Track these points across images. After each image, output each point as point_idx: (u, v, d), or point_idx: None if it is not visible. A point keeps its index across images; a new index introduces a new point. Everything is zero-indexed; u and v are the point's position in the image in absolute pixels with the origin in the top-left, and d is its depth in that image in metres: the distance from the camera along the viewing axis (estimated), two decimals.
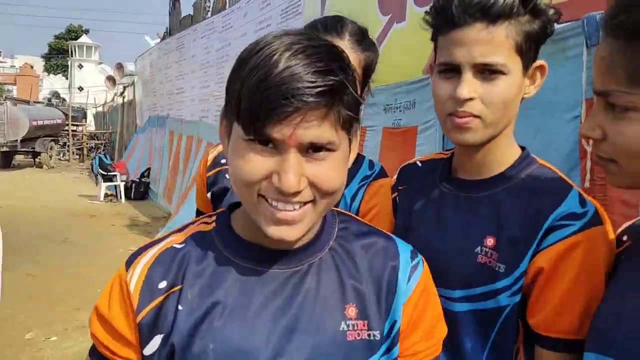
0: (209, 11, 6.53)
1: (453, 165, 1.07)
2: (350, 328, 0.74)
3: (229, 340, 0.71)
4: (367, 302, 0.76)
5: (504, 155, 0.98)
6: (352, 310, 0.75)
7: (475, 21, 0.88)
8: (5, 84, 33.98)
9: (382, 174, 1.28)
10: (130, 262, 0.76)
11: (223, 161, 1.38)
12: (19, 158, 18.25)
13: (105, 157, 11.78)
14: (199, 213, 1.39)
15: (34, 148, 17.22)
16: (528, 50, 0.90)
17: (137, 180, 10.89)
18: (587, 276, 0.86)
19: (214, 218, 0.82)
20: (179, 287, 0.74)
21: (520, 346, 0.96)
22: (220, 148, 1.38)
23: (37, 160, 17.74)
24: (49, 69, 50.59)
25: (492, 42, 0.88)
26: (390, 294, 0.77)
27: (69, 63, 43.75)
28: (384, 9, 3.08)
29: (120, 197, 10.46)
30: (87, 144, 21.04)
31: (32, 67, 35.08)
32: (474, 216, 0.97)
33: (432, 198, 1.06)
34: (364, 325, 0.75)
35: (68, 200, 9.92)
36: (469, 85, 0.89)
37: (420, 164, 1.18)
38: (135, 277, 0.75)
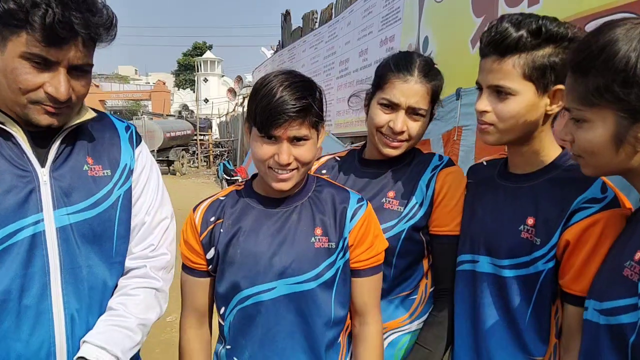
0: (316, 22, 6.86)
1: (508, 163, 1.34)
2: (317, 241, 1.29)
3: (248, 247, 1.28)
4: (328, 226, 1.30)
5: (544, 154, 1.25)
6: (318, 230, 1.30)
7: (491, 54, 1.19)
8: (141, 100, 37.36)
9: (450, 163, 1.54)
10: (195, 208, 1.37)
11: (324, 171, 1.68)
12: None
13: (229, 163, 12.71)
14: None
15: (167, 157, 18.93)
16: (541, 76, 1.16)
17: None
18: (603, 248, 1.08)
19: (243, 183, 1.41)
20: (221, 220, 1.33)
21: (558, 306, 1.20)
22: (322, 160, 1.73)
23: (170, 168, 19.45)
24: (178, 84, 54.98)
25: (501, 70, 1.18)
26: (342, 222, 1.31)
27: (195, 78, 47.49)
28: (477, 11, 3.14)
29: None
30: (212, 151, 22.64)
31: (164, 83, 38.34)
32: (519, 202, 1.25)
33: (489, 189, 1.36)
34: (326, 239, 1.29)
35: None
36: (483, 101, 1.22)
37: (485, 163, 1.47)
38: (198, 215, 1.35)
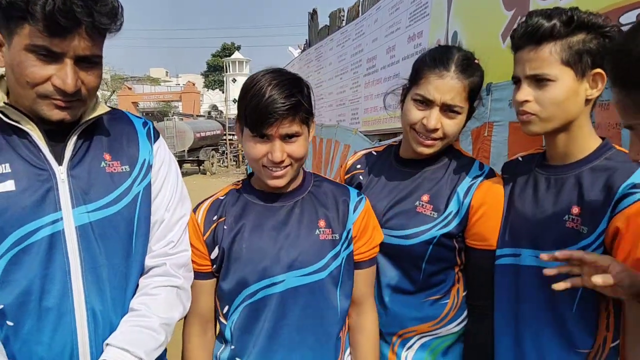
0: (343, 20, 6.85)
1: (546, 156, 1.34)
2: (321, 233, 1.32)
3: (253, 242, 1.29)
4: (330, 219, 1.34)
5: (584, 144, 1.24)
6: (322, 223, 1.33)
7: (526, 45, 1.20)
8: (172, 101, 38.01)
9: (491, 174, 1.48)
10: (195, 209, 1.38)
11: (358, 166, 1.66)
12: (186, 166, 20.54)
13: None
14: None
15: (198, 157, 19.27)
16: (578, 60, 1.16)
17: None
18: None
19: (240, 182, 1.42)
20: (223, 218, 1.34)
21: (609, 299, 1.17)
22: (357, 156, 1.71)
23: (201, 167, 19.79)
24: (207, 85, 55.76)
25: (538, 58, 1.18)
26: (345, 215, 1.35)
27: (224, 78, 48.05)
28: (507, 4, 3.07)
29: None
30: (242, 151, 22.90)
31: (193, 84, 38.89)
32: (562, 192, 1.24)
33: (528, 182, 1.35)
34: (330, 231, 1.32)
35: None
36: (523, 91, 1.22)
37: (520, 159, 1.44)
38: (200, 215, 1.36)
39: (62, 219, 1.15)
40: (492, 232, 1.39)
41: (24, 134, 1.14)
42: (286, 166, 1.26)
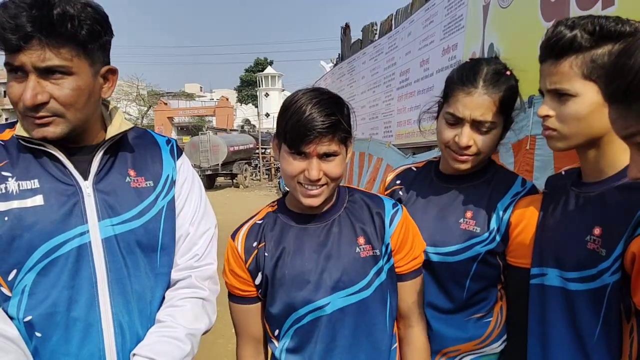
0: (376, 34, 6.85)
1: (581, 171, 1.25)
2: (362, 250, 1.28)
3: (295, 267, 1.27)
4: (369, 234, 1.30)
5: (614, 161, 1.15)
6: (361, 240, 1.29)
7: (548, 58, 1.13)
8: (206, 115, 38.76)
9: (532, 190, 1.43)
10: (233, 236, 1.36)
11: (398, 182, 1.64)
12: (219, 180, 20.87)
13: None
14: None
15: (231, 170, 19.52)
16: (603, 74, 1.04)
17: None
18: None
19: (275, 203, 1.40)
20: (263, 243, 1.32)
21: (634, 325, 1.07)
22: (396, 172, 1.70)
23: (234, 181, 20.03)
24: (240, 100, 56.60)
25: (558, 73, 1.11)
26: (382, 228, 1.31)
27: (257, 93, 48.74)
28: (546, 15, 3.00)
29: None
30: (274, 164, 23.10)
31: (227, 99, 39.53)
32: (587, 211, 1.16)
33: (561, 198, 1.28)
34: (370, 248, 1.29)
35: None
36: (545, 106, 1.15)
37: (563, 173, 1.37)
38: (239, 243, 1.33)
39: (88, 231, 1.17)
40: (528, 250, 1.33)
41: (49, 154, 1.18)
42: (322, 185, 1.24)
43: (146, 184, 1.27)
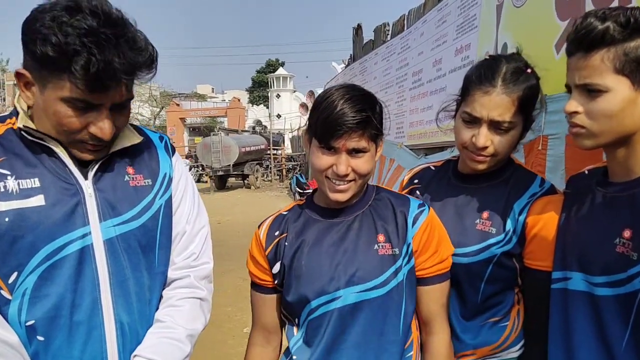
0: (388, 34, 6.83)
1: (608, 171, 1.19)
2: (381, 247, 1.26)
3: (312, 259, 1.28)
4: (390, 233, 1.28)
5: None
6: (381, 237, 1.27)
7: (576, 52, 1.07)
8: (218, 116, 38.86)
9: (551, 191, 1.39)
10: (260, 225, 1.39)
11: (416, 181, 1.61)
12: (231, 180, 20.92)
13: (301, 177, 12.88)
14: None
15: (242, 171, 19.52)
16: (636, 69, 1.02)
17: None
18: None
19: (305, 198, 1.42)
20: (285, 234, 1.34)
21: None
22: (414, 171, 1.67)
23: (245, 181, 20.05)
24: (252, 101, 56.69)
25: (588, 67, 1.05)
26: (404, 228, 1.28)
27: (268, 94, 48.84)
28: (561, 14, 2.96)
29: None
30: (285, 165, 23.12)
31: (239, 100, 39.62)
32: (616, 212, 1.10)
33: (586, 199, 1.21)
34: (389, 246, 1.27)
35: None
36: (573, 102, 1.09)
37: (587, 172, 1.31)
38: (263, 231, 1.37)
39: (90, 233, 1.15)
40: (546, 252, 1.28)
41: (49, 151, 1.15)
42: (350, 181, 1.24)
43: (145, 182, 1.26)
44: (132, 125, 1.31)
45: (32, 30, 1.03)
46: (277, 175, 22.99)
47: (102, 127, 1.11)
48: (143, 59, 1.09)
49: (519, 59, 1.37)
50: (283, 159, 23.83)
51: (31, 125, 1.14)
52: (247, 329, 4.60)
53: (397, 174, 5.59)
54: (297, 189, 12.31)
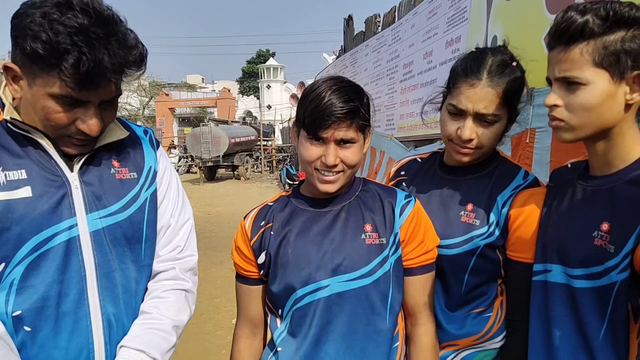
0: (379, 25, 6.81)
1: (589, 164, 1.20)
2: (368, 237, 1.27)
3: (298, 247, 1.28)
4: (377, 223, 1.29)
5: (626, 153, 1.10)
6: (368, 227, 1.28)
7: (557, 45, 1.08)
8: (208, 107, 38.59)
9: (534, 183, 1.41)
10: (245, 216, 1.39)
11: (402, 173, 1.63)
12: (220, 171, 20.82)
13: (291, 168, 12.86)
14: None
15: (232, 162, 19.41)
16: (615, 62, 1.02)
17: None
18: None
19: (291, 189, 1.42)
20: (270, 224, 1.34)
21: None
22: (401, 163, 1.67)
23: (235, 172, 19.97)
24: (242, 91, 56.30)
25: (567, 60, 1.05)
26: (391, 218, 1.29)
27: (259, 85, 48.57)
28: (551, 7, 2.97)
29: None
30: (275, 156, 23.07)
31: (229, 90, 39.30)
32: (595, 206, 1.12)
33: (567, 192, 1.23)
34: (376, 236, 1.28)
35: None
36: (552, 95, 1.10)
37: (569, 165, 1.32)
38: (248, 222, 1.37)
39: (77, 224, 1.16)
40: (528, 244, 1.30)
41: (34, 142, 1.16)
42: (338, 172, 1.24)
43: (130, 175, 1.27)
44: (117, 119, 1.31)
45: (22, 26, 1.02)
46: (267, 166, 22.93)
47: (90, 123, 1.12)
48: (133, 57, 1.09)
49: (504, 51, 1.38)
50: (273, 150, 23.75)
51: (17, 117, 1.14)
52: (235, 320, 4.66)
53: (389, 166, 5.61)
54: (287, 180, 12.30)
